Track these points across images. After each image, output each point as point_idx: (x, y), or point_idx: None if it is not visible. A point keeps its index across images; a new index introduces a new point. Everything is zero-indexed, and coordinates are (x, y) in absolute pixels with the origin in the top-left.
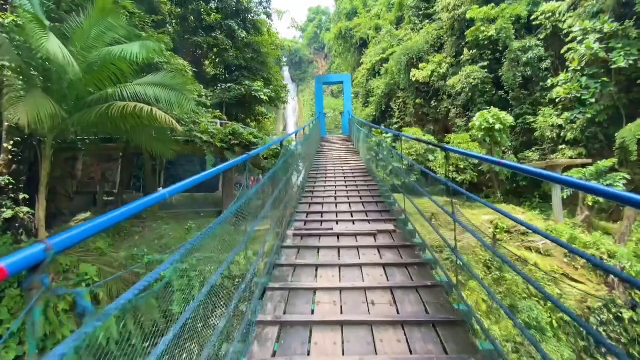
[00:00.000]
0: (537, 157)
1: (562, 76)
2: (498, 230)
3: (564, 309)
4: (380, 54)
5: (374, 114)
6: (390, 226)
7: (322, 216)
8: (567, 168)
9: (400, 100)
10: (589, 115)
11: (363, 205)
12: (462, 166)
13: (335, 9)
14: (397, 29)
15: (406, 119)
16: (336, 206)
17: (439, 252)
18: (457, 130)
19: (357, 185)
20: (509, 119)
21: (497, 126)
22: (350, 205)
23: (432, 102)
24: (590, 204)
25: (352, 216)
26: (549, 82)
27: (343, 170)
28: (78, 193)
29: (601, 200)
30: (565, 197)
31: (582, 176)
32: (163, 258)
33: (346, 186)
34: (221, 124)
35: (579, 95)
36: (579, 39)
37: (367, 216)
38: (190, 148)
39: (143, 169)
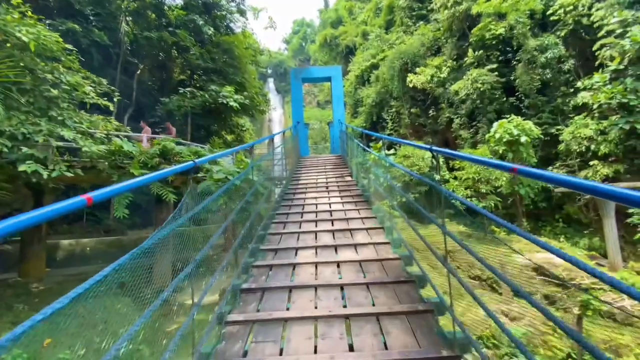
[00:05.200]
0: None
1: (596, 77)
2: (591, 309)
3: None
4: (369, 60)
5: (364, 125)
6: None
7: None
8: None
9: (394, 109)
10: (638, 125)
11: None
12: (483, 190)
13: (320, 21)
14: (387, 33)
15: (400, 131)
16: None
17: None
18: (462, 143)
19: None
20: (535, 130)
21: (523, 139)
22: None
23: (430, 112)
24: None
25: None
26: (579, 84)
27: (340, 275)
28: None
29: None
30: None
31: None
32: None
33: None
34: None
35: (625, 101)
36: (617, 31)
37: None
38: (91, 176)
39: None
